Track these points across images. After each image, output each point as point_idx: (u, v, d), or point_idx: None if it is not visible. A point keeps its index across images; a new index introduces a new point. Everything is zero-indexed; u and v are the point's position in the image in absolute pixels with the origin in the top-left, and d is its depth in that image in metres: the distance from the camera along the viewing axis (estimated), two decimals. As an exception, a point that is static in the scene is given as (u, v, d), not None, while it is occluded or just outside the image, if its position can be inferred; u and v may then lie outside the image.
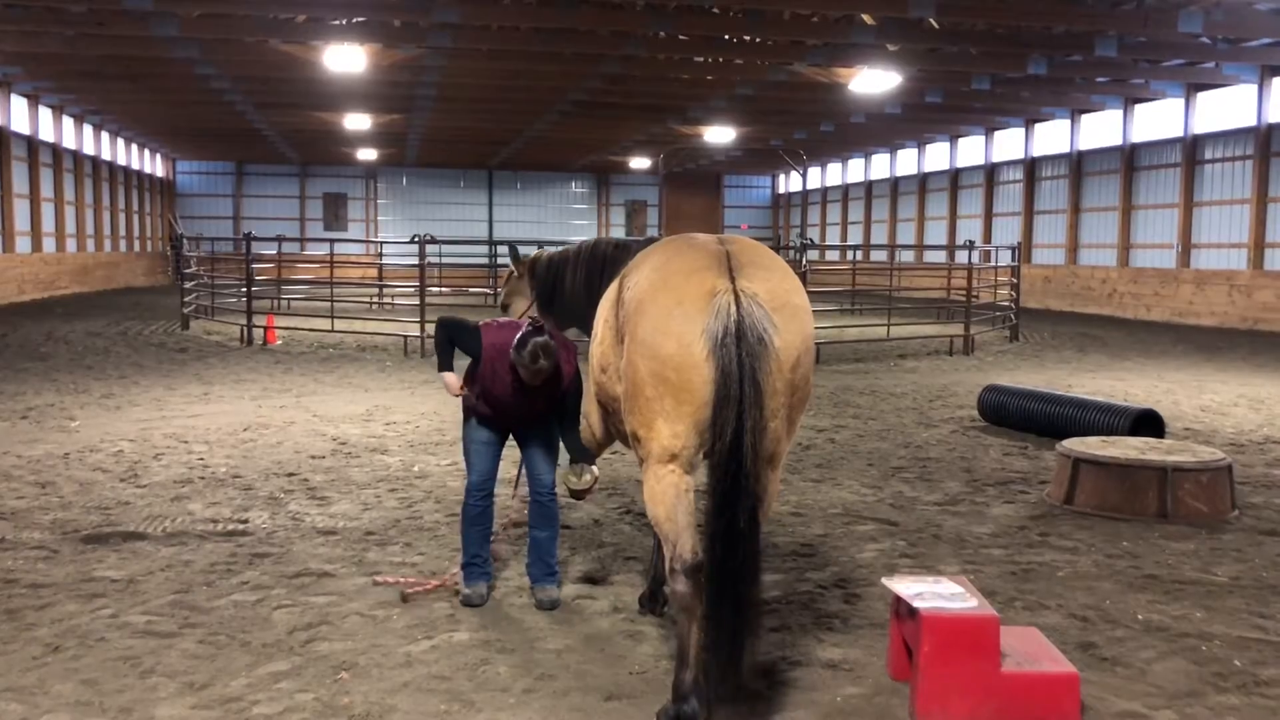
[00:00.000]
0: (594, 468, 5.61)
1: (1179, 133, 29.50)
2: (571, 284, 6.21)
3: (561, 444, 5.74)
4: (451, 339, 5.76)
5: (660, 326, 4.26)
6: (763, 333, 4.16)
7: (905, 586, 4.73)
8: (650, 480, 4.39)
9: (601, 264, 5.99)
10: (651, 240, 5.56)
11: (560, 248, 6.75)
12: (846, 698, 4.66)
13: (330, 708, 4.49)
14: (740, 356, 4.11)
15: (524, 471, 5.95)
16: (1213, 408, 13.20)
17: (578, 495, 5.71)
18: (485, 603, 5.74)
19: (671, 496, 4.32)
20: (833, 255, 48.60)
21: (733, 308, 4.16)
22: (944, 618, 4.43)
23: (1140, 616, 5.69)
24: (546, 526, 5.84)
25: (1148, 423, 10.01)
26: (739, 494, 4.10)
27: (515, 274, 7.04)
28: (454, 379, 5.78)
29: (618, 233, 54.31)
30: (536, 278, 6.61)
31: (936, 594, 4.60)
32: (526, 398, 5.56)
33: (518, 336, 5.38)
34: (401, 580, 6.07)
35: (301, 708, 4.48)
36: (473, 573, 5.82)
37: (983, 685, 4.37)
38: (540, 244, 7.09)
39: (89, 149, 39.54)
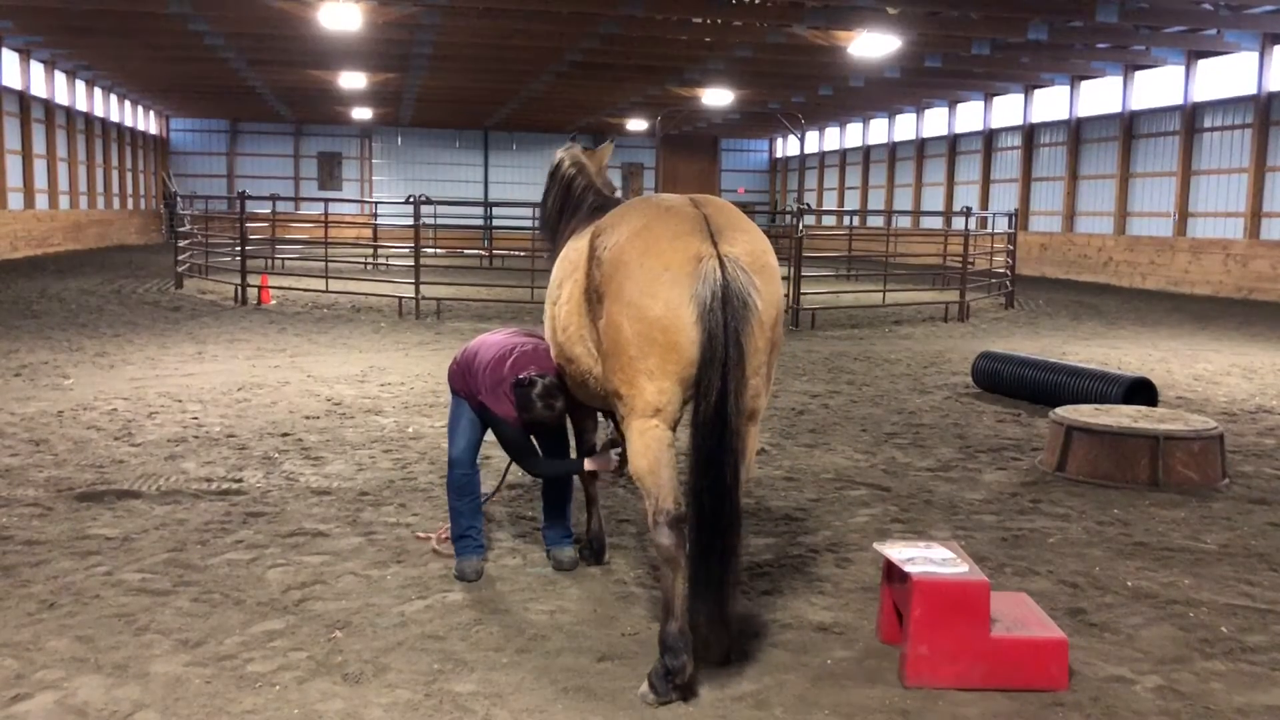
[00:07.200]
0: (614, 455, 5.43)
1: (1178, 100, 29.34)
2: (550, 207, 6.04)
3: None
4: (529, 435, 5.46)
5: (648, 290, 4.33)
6: (747, 296, 4.29)
7: (897, 551, 4.76)
8: (634, 436, 4.45)
9: (575, 202, 5.78)
10: (617, 202, 5.40)
11: (583, 154, 6.07)
12: (837, 660, 4.70)
13: (324, 666, 4.52)
14: (726, 320, 4.23)
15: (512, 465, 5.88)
16: (1206, 376, 13.24)
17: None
18: (480, 579, 5.60)
19: (655, 451, 4.39)
20: (829, 221, 48.50)
21: (718, 272, 4.28)
22: (935, 582, 4.46)
23: (1129, 583, 5.73)
24: (557, 495, 5.87)
25: (1141, 391, 10.03)
26: (724, 451, 4.22)
27: None
28: (602, 459, 5.46)
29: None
30: (553, 182, 6.08)
31: (928, 559, 4.63)
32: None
33: (515, 401, 5.25)
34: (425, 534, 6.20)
35: (295, 666, 4.51)
36: (466, 546, 5.67)
37: (972, 650, 4.41)
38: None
39: (81, 105, 39.21)
